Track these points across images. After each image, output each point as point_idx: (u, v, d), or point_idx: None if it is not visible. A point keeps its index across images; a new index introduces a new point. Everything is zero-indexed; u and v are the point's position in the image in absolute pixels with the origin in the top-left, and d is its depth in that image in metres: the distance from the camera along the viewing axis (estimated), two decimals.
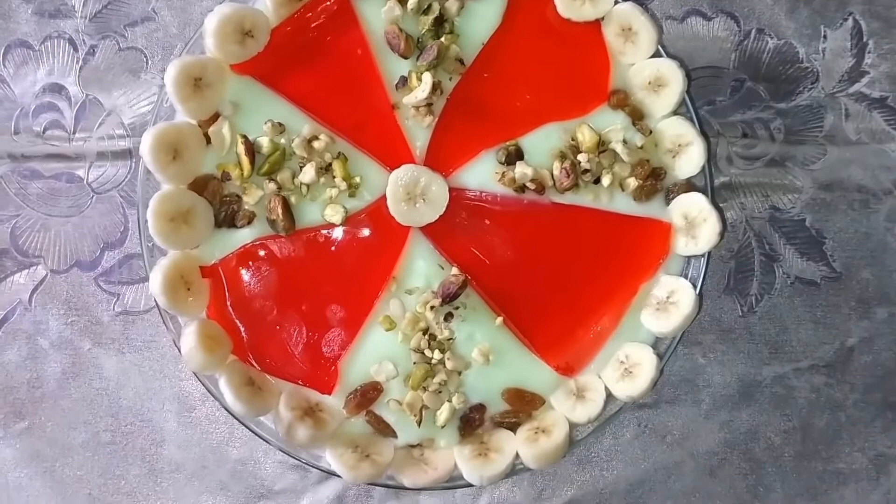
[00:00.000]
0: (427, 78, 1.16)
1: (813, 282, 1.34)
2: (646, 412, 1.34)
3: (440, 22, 1.18)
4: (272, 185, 1.17)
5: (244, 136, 1.16)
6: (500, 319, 1.18)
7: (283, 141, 1.18)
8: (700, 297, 1.18)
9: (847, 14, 1.36)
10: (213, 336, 1.15)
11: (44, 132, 1.35)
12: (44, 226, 1.35)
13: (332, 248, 1.18)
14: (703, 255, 1.19)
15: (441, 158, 1.20)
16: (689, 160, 1.19)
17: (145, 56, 1.36)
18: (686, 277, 1.20)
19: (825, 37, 1.35)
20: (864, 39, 1.35)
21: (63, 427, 1.34)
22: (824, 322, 1.34)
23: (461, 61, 1.19)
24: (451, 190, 1.18)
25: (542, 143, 1.19)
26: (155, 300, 1.14)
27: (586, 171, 1.18)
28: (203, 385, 1.18)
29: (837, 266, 1.34)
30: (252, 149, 1.16)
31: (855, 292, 1.34)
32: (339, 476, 1.15)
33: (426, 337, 1.17)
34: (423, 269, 1.19)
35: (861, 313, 1.34)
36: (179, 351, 1.14)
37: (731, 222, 1.34)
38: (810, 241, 1.34)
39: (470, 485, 1.17)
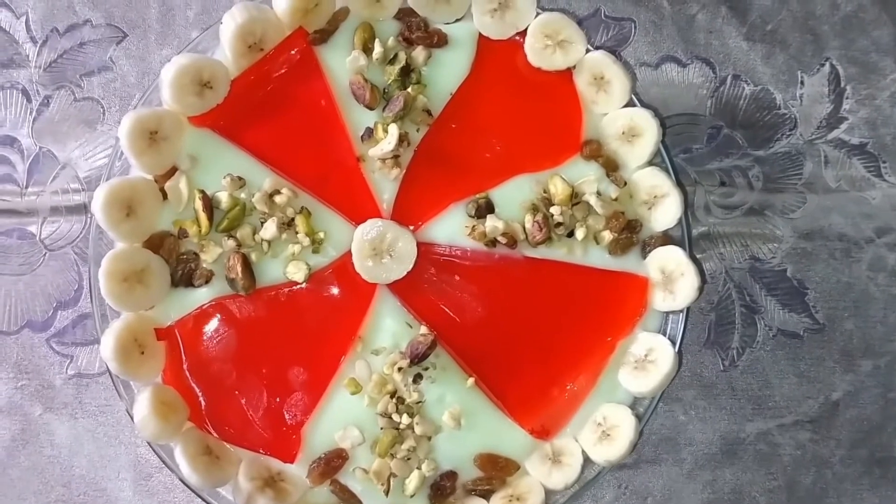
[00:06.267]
0: (393, 129, 1.12)
1: (796, 334, 1.30)
2: (626, 473, 1.28)
3: (407, 72, 1.15)
4: (231, 242, 1.12)
5: (202, 192, 1.12)
6: (471, 380, 1.13)
7: (243, 196, 1.13)
8: (679, 354, 1.14)
9: (824, 59, 1.33)
10: (168, 402, 1.10)
11: None
12: None
13: (295, 308, 1.13)
14: (681, 311, 1.15)
15: (409, 212, 1.16)
16: (666, 212, 1.15)
17: (102, 107, 1.32)
18: (664, 334, 1.16)
19: (802, 83, 1.33)
20: (842, 85, 1.33)
21: (12, 498, 1.28)
22: (808, 376, 1.30)
23: (429, 112, 1.16)
24: (419, 245, 1.13)
25: (514, 196, 1.15)
26: (106, 365, 1.08)
27: (559, 224, 1.14)
28: (157, 455, 1.11)
29: (820, 317, 1.30)
30: (210, 204, 1.12)
31: (839, 344, 1.30)
32: None
33: (394, 400, 1.12)
34: (390, 328, 1.14)
35: (845, 366, 1.30)
36: (132, 419, 1.09)
37: (711, 273, 1.30)
38: (792, 291, 1.30)
39: None
